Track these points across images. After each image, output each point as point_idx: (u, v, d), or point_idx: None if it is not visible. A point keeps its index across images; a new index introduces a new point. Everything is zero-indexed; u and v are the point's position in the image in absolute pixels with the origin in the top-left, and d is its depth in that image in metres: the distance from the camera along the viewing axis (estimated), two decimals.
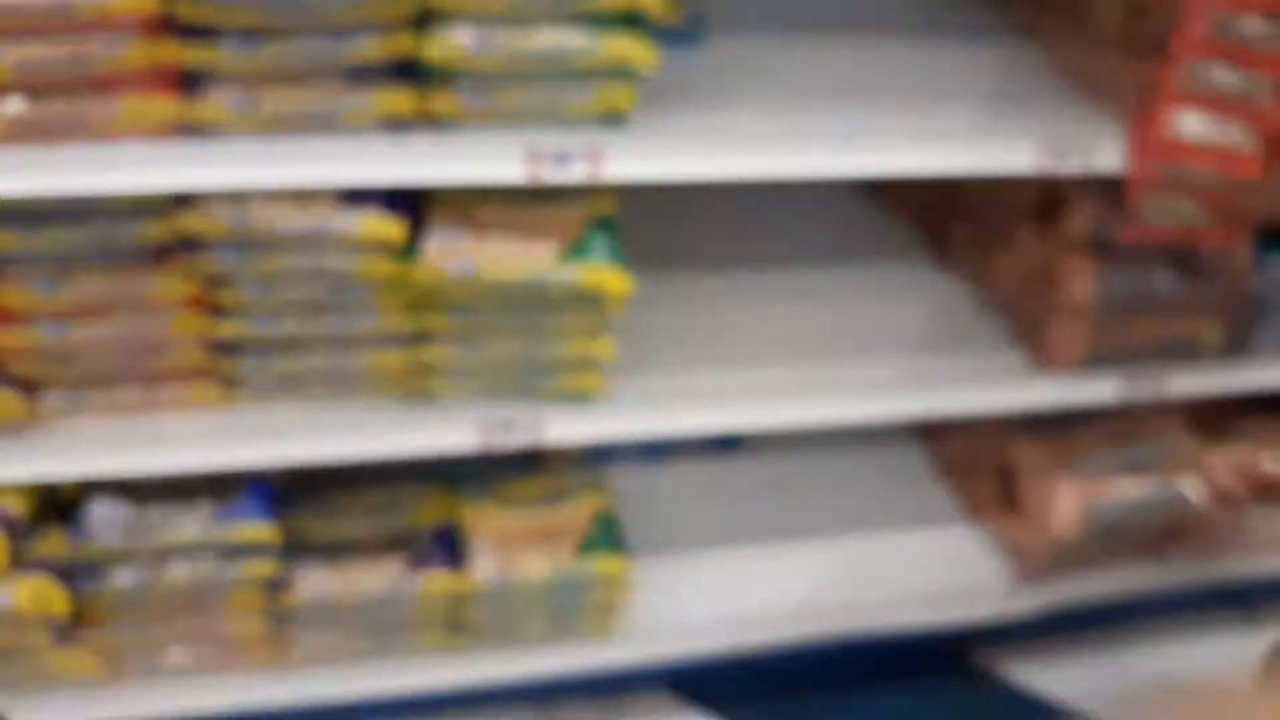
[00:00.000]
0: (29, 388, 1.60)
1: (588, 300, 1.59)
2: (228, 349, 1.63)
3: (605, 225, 1.62)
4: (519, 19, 1.41)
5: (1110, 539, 2.09)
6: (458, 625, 1.88)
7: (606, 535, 1.89)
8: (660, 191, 1.79)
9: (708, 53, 1.78)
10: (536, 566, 1.82)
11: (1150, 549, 2.19)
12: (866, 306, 2.08)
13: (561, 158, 1.48)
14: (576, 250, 1.57)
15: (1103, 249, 1.86)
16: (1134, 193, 1.73)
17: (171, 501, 1.71)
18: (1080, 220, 1.88)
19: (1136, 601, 2.21)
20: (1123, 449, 2.12)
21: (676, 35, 1.77)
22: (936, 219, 2.26)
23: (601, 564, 1.84)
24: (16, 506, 1.66)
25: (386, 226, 1.50)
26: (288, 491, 1.87)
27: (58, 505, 1.74)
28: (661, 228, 2.15)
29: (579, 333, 1.66)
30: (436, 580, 1.79)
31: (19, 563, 1.66)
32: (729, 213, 2.24)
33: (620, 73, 1.46)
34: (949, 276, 2.21)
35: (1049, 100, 1.79)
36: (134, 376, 1.63)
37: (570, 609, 1.90)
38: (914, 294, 2.16)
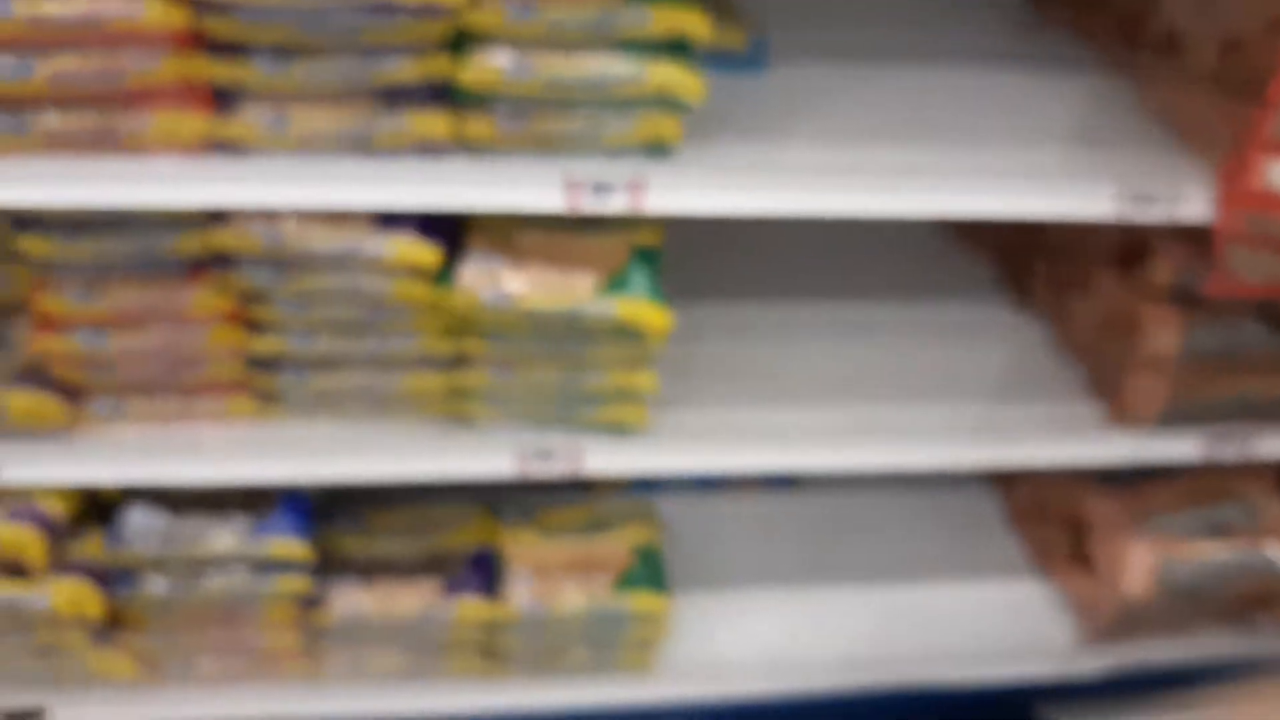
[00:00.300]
0: (72, 394, 1.61)
1: (627, 333, 1.54)
2: (265, 364, 1.62)
3: (647, 256, 1.56)
4: (559, 43, 1.36)
5: (1187, 603, 1.96)
6: (492, 652, 1.84)
7: (647, 570, 1.84)
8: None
9: (770, 80, 1.71)
10: (572, 598, 1.78)
11: (1234, 616, 2.05)
12: (935, 346, 1.99)
13: (601, 188, 1.43)
14: (615, 283, 1.52)
15: (1187, 299, 1.75)
16: (1219, 244, 1.61)
17: (207, 512, 1.71)
18: (1164, 267, 1.77)
19: (1218, 668, 2.07)
20: (1205, 508, 1.99)
21: (738, 61, 1.70)
22: (1018, 255, 2.15)
23: (639, 600, 1.79)
24: (57, 509, 1.68)
25: (420, 251, 1.47)
26: (326, 506, 1.87)
27: (100, 507, 1.75)
28: (721, 254, 2.09)
29: (619, 364, 1.62)
30: (470, 606, 1.77)
31: (58, 564, 1.68)
32: (794, 240, 2.16)
33: (665, 102, 1.41)
34: (1027, 317, 2.10)
35: (1134, 141, 1.67)
36: (173, 387, 1.63)
37: (607, 643, 1.85)
38: (987, 334, 2.05)
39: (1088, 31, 1.95)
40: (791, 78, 1.72)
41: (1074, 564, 2.05)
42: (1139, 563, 1.91)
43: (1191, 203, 1.56)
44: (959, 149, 1.58)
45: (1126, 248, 1.85)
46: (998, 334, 2.05)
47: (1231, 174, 1.55)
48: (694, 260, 2.01)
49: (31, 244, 1.48)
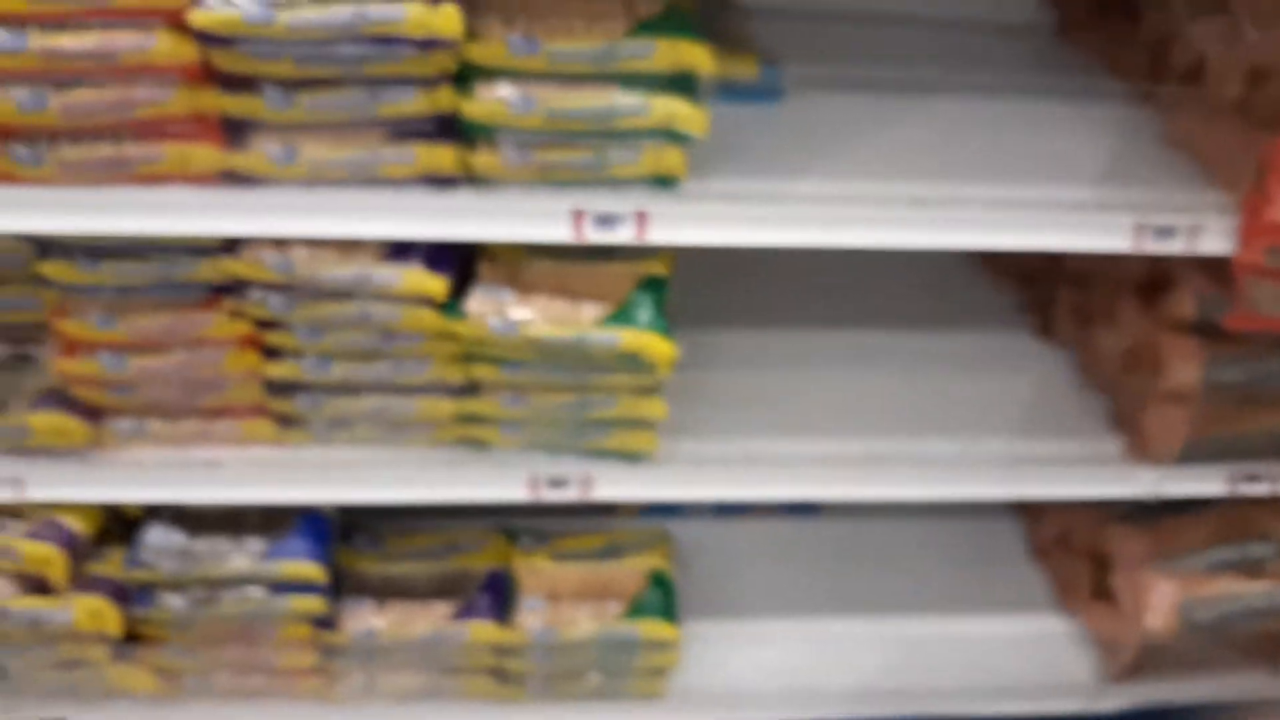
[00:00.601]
0: (94, 415, 1.65)
1: (633, 361, 1.54)
2: (281, 388, 1.65)
3: (654, 286, 1.57)
4: (562, 77, 1.37)
5: (1211, 641, 1.92)
6: (504, 675, 1.85)
7: (658, 598, 1.84)
8: None
9: (783, 111, 1.71)
10: (582, 625, 1.78)
11: (1261, 655, 2.00)
12: (955, 375, 1.96)
13: (607, 220, 1.44)
14: (620, 312, 1.52)
15: (1210, 331, 1.71)
16: (1240, 278, 1.58)
17: (225, 531, 1.74)
18: (1186, 299, 1.74)
19: (1243, 708, 2.02)
20: (1232, 545, 1.95)
21: (751, 92, 1.70)
22: (1042, 283, 2.12)
23: (649, 628, 1.79)
24: (79, 526, 1.71)
25: (428, 281, 1.49)
26: (345, 526, 1.89)
27: (124, 522, 1.79)
28: (738, 280, 2.08)
29: (627, 392, 1.62)
30: (481, 629, 1.78)
31: (80, 580, 1.72)
32: (813, 266, 2.15)
33: (669, 135, 1.41)
34: (1050, 347, 2.07)
35: (1156, 173, 1.64)
36: (192, 409, 1.66)
37: (619, 669, 1.85)
38: (1009, 364, 2.03)
39: (1113, 62, 1.92)
40: (806, 109, 1.71)
41: (1097, 599, 2.02)
42: (1162, 599, 1.87)
43: (1212, 236, 1.53)
44: (976, 181, 1.56)
45: (1150, 278, 1.82)
46: (1019, 364, 2.02)
47: (1253, 206, 1.52)
48: (711, 286, 2.01)
49: (54, 269, 1.52)
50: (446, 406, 1.65)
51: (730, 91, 1.69)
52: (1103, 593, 2.01)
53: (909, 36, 2.00)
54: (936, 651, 2.03)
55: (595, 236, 1.44)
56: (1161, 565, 1.91)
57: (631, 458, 1.70)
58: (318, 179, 1.41)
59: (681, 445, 1.75)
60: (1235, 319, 1.64)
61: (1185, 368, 1.72)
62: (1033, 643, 2.06)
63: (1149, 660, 1.95)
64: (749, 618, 2.06)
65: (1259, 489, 1.80)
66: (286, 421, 1.69)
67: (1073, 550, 2.11)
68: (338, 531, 1.84)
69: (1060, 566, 2.15)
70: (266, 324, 1.58)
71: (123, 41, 1.30)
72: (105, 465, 1.66)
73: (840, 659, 2.01)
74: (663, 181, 1.45)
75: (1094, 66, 1.95)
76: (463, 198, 1.44)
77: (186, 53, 1.31)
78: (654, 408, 1.64)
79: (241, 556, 1.72)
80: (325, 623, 1.78)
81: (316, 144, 1.40)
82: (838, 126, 1.68)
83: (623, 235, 1.45)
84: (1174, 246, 1.53)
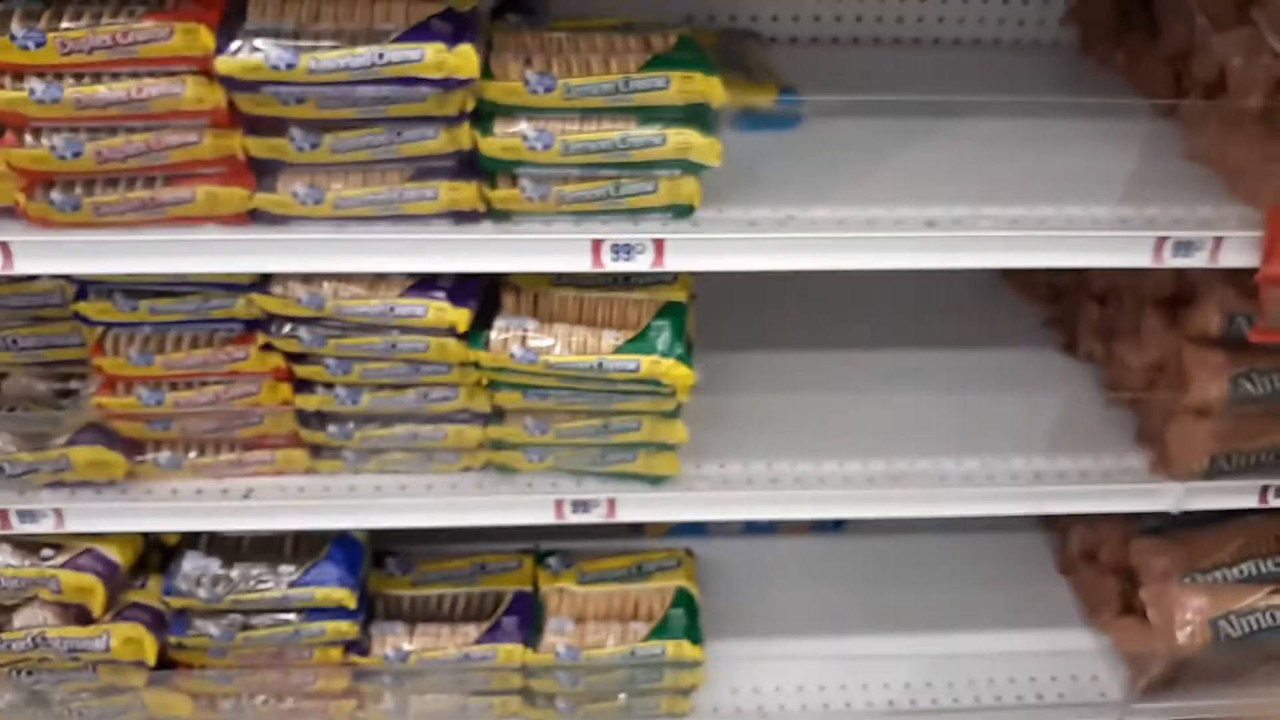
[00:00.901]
0: (133, 447, 1.69)
1: (653, 387, 1.56)
2: (313, 419, 1.68)
3: (674, 312, 1.59)
4: (579, 112, 1.40)
5: (1243, 656, 1.91)
6: (532, 696, 1.88)
7: (683, 617, 1.86)
8: None
9: (801, 136, 1.72)
10: (608, 645, 1.80)
11: None
12: (980, 392, 1.96)
13: (625, 249, 1.46)
14: (639, 339, 1.55)
15: (1236, 344, 1.71)
16: (1264, 291, 1.57)
17: (259, 558, 1.78)
18: (1211, 313, 1.73)
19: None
20: (1263, 557, 1.94)
21: (768, 119, 1.72)
22: (1067, 299, 2.12)
23: (674, 648, 1.81)
24: (118, 555, 1.76)
25: (451, 312, 1.52)
26: (375, 551, 1.92)
27: (163, 549, 1.84)
28: (763, 302, 2.09)
29: (650, 416, 1.64)
30: (508, 651, 1.80)
31: (118, 608, 1.76)
32: (837, 286, 2.16)
33: (685, 165, 1.43)
34: (1076, 362, 2.06)
35: (1178, 186, 1.63)
36: (228, 441, 1.70)
37: (646, 690, 1.87)
38: (1035, 380, 2.02)
39: (1135, 77, 1.92)
40: (824, 134, 1.72)
41: (1125, 614, 2.01)
42: (1191, 614, 1.86)
43: (1234, 249, 1.53)
44: (995, 201, 1.56)
45: (1175, 292, 1.82)
46: (1045, 380, 2.02)
47: (1276, 218, 1.52)
48: (735, 308, 2.02)
49: (92, 308, 1.56)
50: (473, 433, 1.68)
51: (748, 119, 1.71)
52: (1131, 608, 2.00)
53: (929, 58, 2.01)
54: (964, 668, 2.04)
55: (614, 265, 1.47)
56: (1190, 579, 1.90)
57: (655, 480, 1.72)
58: (344, 217, 1.44)
59: (706, 467, 1.77)
60: (1260, 332, 1.64)
61: (1210, 382, 1.72)
62: (1061, 658, 2.06)
63: (1178, 675, 1.94)
64: (776, 635, 2.07)
65: None
66: (319, 451, 1.72)
67: (1101, 565, 2.10)
68: (369, 557, 1.87)
69: (1088, 581, 2.14)
70: (298, 357, 1.62)
71: (153, 89, 1.34)
72: (143, 496, 1.70)
73: (868, 677, 2.02)
74: (679, 210, 1.48)
75: (1116, 82, 1.94)
76: (484, 231, 1.47)
77: (214, 98, 1.35)
78: (676, 431, 1.66)
79: (275, 583, 1.75)
80: (357, 646, 1.81)
81: (342, 183, 1.43)
82: (856, 150, 1.69)
83: (640, 263, 1.47)
84: (1196, 261, 1.53)
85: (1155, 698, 1.97)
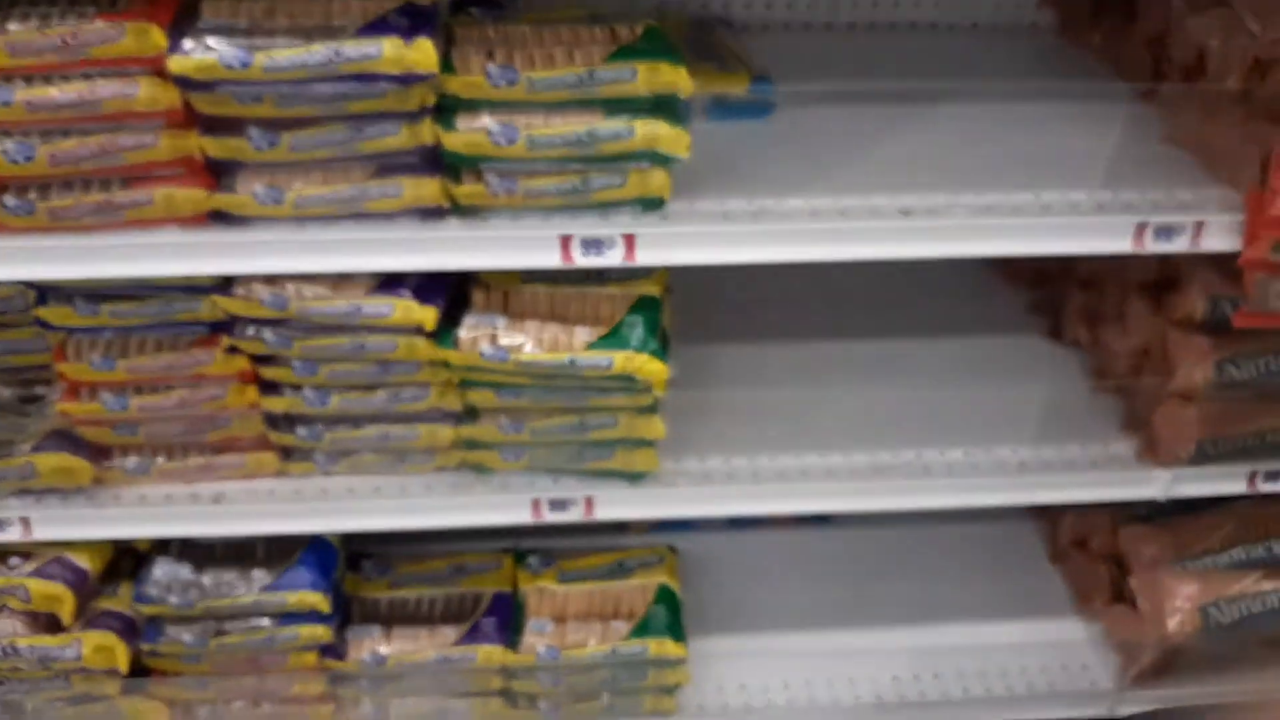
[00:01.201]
0: (100, 453, 1.66)
1: (627, 383, 1.53)
2: (282, 421, 1.65)
3: (647, 306, 1.56)
4: (544, 106, 1.37)
5: (1234, 643, 1.89)
6: (514, 697, 1.85)
7: (666, 617, 1.83)
8: None
9: (774, 125, 1.69)
10: (590, 645, 1.78)
11: None
12: (964, 381, 1.94)
13: (594, 244, 1.44)
14: (611, 335, 1.52)
15: (1221, 329, 1.68)
16: (1248, 275, 1.55)
17: (231, 563, 1.75)
18: (1195, 297, 1.71)
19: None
20: (1254, 543, 1.92)
21: (741, 108, 1.69)
22: (1052, 285, 2.09)
23: (656, 646, 1.79)
24: (87, 563, 1.73)
25: (418, 311, 1.49)
26: (351, 553, 1.90)
27: (135, 555, 1.81)
28: (738, 294, 2.06)
29: (625, 413, 1.61)
30: (488, 653, 1.78)
31: (89, 616, 1.73)
32: (818, 275, 2.12)
33: (653, 157, 1.40)
34: (1061, 349, 2.04)
35: (1157, 170, 1.60)
36: (196, 445, 1.67)
37: (628, 689, 1.85)
38: (1020, 368, 1.99)
39: (1114, 60, 1.89)
40: (798, 122, 1.69)
41: (1116, 602, 1.99)
42: (1182, 601, 1.84)
43: (1216, 233, 1.51)
44: (973, 188, 1.53)
45: (1160, 277, 1.79)
46: (1029, 367, 1.99)
47: (1257, 202, 1.50)
48: (711, 300, 1.99)
49: (53, 314, 1.53)
50: (446, 433, 1.65)
51: (721, 108, 1.68)
52: (1121, 595, 1.98)
53: (905, 43, 1.97)
54: (953, 661, 2.02)
55: (583, 261, 1.44)
56: (1181, 566, 1.88)
57: (634, 477, 1.69)
58: (306, 216, 1.41)
59: (685, 463, 1.74)
60: (1244, 316, 1.61)
61: (1195, 367, 1.69)
62: (1051, 648, 2.03)
63: (1169, 663, 1.92)
64: (762, 630, 2.05)
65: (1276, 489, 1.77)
66: (289, 453, 1.70)
67: (1090, 553, 2.08)
68: (344, 560, 1.84)
69: (1078, 570, 2.12)
70: (264, 359, 1.59)
71: (106, 90, 1.31)
72: (111, 503, 1.67)
73: (855, 670, 2.00)
74: (649, 203, 1.45)
75: (1095, 66, 1.92)
76: (450, 228, 1.44)
77: (169, 98, 1.32)
78: (653, 427, 1.64)
79: (247, 588, 1.73)
80: (333, 650, 1.79)
81: (303, 182, 1.40)
82: (830, 139, 1.66)
83: (611, 259, 1.44)
84: (1177, 246, 1.51)
85: (1146, 686, 1.94)
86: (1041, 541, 2.23)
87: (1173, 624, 1.84)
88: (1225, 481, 1.77)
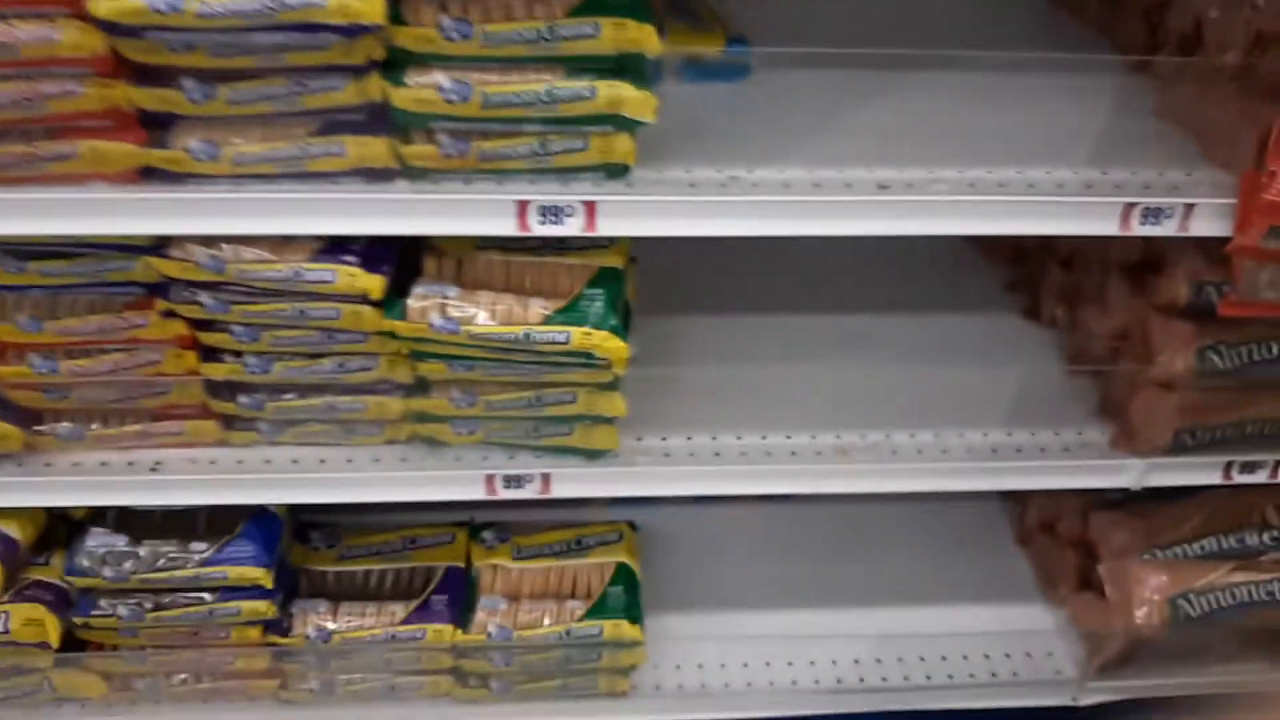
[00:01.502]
0: (31, 418, 1.57)
1: (585, 359, 1.46)
2: (223, 389, 1.57)
3: (608, 279, 1.48)
4: (500, 62, 1.28)
5: (1204, 635, 1.85)
6: (465, 676, 1.79)
7: (622, 595, 1.77)
8: None
9: (750, 89, 1.61)
10: (543, 626, 1.72)
11: (1257, 650, 1.93)
12: (936, 361, 1.88)
13: (553, 211, 1.35)
14: (569, 309, 1.44)
15: (1204, 314, 1.62)
16: (1237, 261, 1.48)
17: (170, 534, 1.67)
18: (1178, 281, 1.65)
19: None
20: (1227, 533, 1.87)
21: (716, 70, 1.60)
22: (1032, 261, 2.03)
23: (612, 627, 1.73)
24: (18, 532, 1.65)
25: (363, 279, 1.40)
26: (299, 523, 1.83)
27: (70, 523, 1.73)
28: (705, 264, 1.98)
29: (585, 388, 1.54)
30: (437, 632, 1.71)
31: (20, 587, 1.66)
32: (787, 248, 2.05)
33: (617, 121, 1.32)
34: (1038, 329, 1.98)
35: (1147, 148, 1.54)
36: (134, 412, 1.59)
37: (583, 669, 1.79)
38: (995, 348, 1.94)
39: (1108, 30, 1.81)
40: (775, 86, 1.61)
41: (1083, 589, 1.94)
42: (1150, 592, 1.79)
43: (1206, 217, 1.44)
44: (954, 163, 1.46)
45: (1142, 258, 1.73)
46: (1004, 348, 1.93)
47: (1252, 185, 1.43)
48: (679, 269, 1.91)
49: None
50: (396, 405, 1.58)
51: (694, 69, 1.59)
52: (1089, 582, 1.94)
53: (890, 6, 1.88)
54: (915, 645, 1.97)
55: (541, 229, 1.36)
56: (1151, 555, 1.83)
57: (592, 454, 1.62)
58: (244, 174, 1.32)
59: (647, 440, 1.68)
60: (1231, 304, 1.55)
61: (1177, 354, 1.63)
62: (1015, 635, 1.99)
63: (1136, 654, 1.88)
64: (722, 610, 2.00)
65: (1257, 477, 1.72)
66: (231, 422, 1.62)
67: (1058, 537, 2.03)
68: (289, 532, 1.77)
69: (1044, 554, 2.08)
70: (203, 324, 1.50)
71: (24, 34, 1.21)
72: (42, 470, 1.59)
73: (815, 653, 1.95)
74: (612, 170, 1.36)
75: (1088, 35, 1.84)
76: (398, 191, 1.35)
77: (94, 44, 1.22)
78: (614, 404, 1.57)
79: (186, 561, 1.65)
80: (277, 625, 1.72)
81: (242, 138, 1.31)
82: (808, 105, 1.58)
83: (570, 228, 1.36)
84: (1165, 229, 1.44)
85: (1111, 676, 1.90)
86: (1008, 522, 2.19)
87: (1141, 615, 1.79)
88: (1201, 472, 1.72)
